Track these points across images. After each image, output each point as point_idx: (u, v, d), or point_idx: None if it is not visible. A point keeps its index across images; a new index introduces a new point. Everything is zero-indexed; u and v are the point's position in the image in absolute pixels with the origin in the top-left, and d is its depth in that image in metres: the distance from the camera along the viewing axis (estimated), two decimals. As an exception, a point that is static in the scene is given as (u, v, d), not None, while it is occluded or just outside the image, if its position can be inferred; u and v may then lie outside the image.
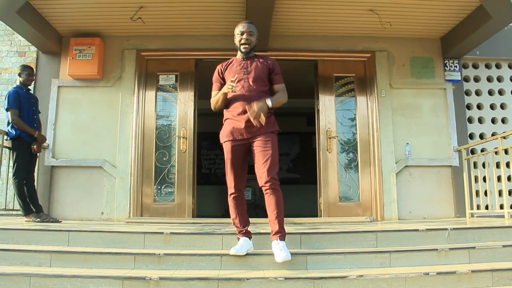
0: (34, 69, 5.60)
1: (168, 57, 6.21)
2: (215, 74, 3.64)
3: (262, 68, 3.50)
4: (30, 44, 6.02)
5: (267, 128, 3.39)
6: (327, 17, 5.75)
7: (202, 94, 5.96)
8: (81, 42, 5.90)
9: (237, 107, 3.42)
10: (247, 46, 3.49)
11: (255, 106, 3.23)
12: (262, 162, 3.30)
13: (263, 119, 3.24)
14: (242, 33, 3.49)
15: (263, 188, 3.29)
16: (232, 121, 3.44)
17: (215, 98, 3.53)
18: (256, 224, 4.27)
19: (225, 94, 3.44)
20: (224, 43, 5.84)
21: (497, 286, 3.13)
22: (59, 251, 3.45)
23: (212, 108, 3.60)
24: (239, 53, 3.59)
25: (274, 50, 6.00)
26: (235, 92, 3.37)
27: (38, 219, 4.82)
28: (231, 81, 3.32)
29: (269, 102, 3.33)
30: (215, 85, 3.63)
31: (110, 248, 3.59)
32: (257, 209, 8.37)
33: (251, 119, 3.24)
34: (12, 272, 3.14)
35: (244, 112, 3.35)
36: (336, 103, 6.22)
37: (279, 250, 3.16)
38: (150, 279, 3.01)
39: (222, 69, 3.60)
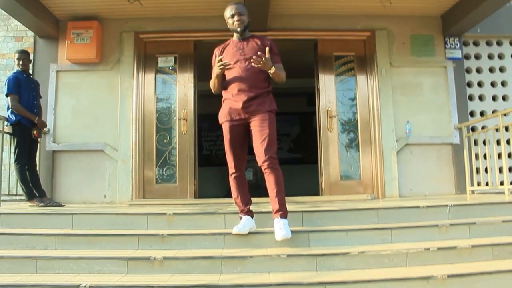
0: (32, 54, 5.57)
1: (166, 39, 6.16)
2: (213, 58, 3.65)
3: (259, 49, 3.48)
4: (27, 29, 5.97)
5: (265, 107, 3.41)
6: (326, -5, 5.69)
7: (202, 76, 5.94)
8: (79, 25, 5.85)
9: (234, 87, 3.46)
10: (241, 25, 3.51)
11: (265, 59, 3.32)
12: (260, 141, 3.33)
13: (259, 62, 3.30)
14: (232, 16, 3.52)
15: (262, 167, 3.33)
16: (230, 102, 3.47)
17: (211, 82, 3.58)
18: (258, 203, 4.30)
19: (219, 76, 3.50)
20: (223, 24, 5.59)
21: (497, 260, 3.17)
22: (63, 234, 3.50)
23: (213, 91, 3.65)
24: (235, 35, 3.61)
25: (273, 30, 5.96)
26: (229, 68, 3.43)
27: (42, 204, 4.84)
28: (219, 61, 3.39)
29: (273, 68, 3.39)
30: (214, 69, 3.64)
31: (114, 230, 3.63)
32: (259, 189, 8.39)
33: (254, 60, 3.30)
34: (19, 255, 3.20)
35: (241, 92, 3.40)
36: (336, 83, 6.20)
37: (279, 228, 3.20)
38: (155, 259, 3.05)
39: (219, 52, 3.61)
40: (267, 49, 3.37)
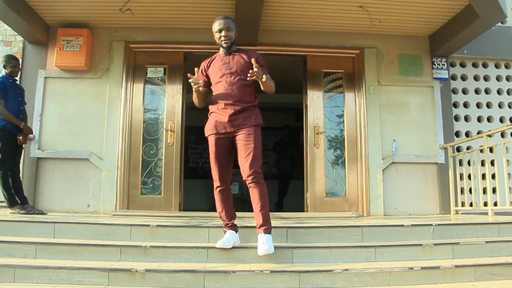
0: (20, 60, 5.53)
1: (156, 49, 6.16)
2: (198, 71, 3.63)
3: (245, 63, 3.50)
4: (17, 33, 5.93)
5: (251, 121, 3.42)
6: (317, 13, 5.75)
7: (191, 88, 5.87)
8: (69, 32, 5.83)
9: (220, 101, 3.46)
10: (227, 41, 3.51)
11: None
12: (245, 156, 3.33)
13: (253, 75, 3.30)
14: (220, 31, 3.52)
15: (247, 182, 3.32)
16: (216, 115, 3.48)
17: (193, 97, 3.62)
18: (243, 218, 4.28)
19: (198, 91, 3.55)
20: (213, 36, 5.80)
21: (480, 281, 3.18)
22: (44, 243, 3.43)
23: (197, 105, 3.69)
24: (221, 49, 3.61)
25: (263, 44, 6.01)
26: (200, 85, 3.50)
27: (23, 211, 4.77)
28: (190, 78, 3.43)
29: (264, 77, 3.38)
30: None
31: (96, 240, 3.57)
32: (244, 204, 8.37)
33: (250, 75, 3.30)
34: (-4, 263, 3.12)
35: (227, 105, 3.41)
36: (324, 99, 6.24)
37: (262, 243, 3.19)
38: (136, 271, 3.01)
39: (205, 67, 3.64)
40: (253, 60, 3.34)
